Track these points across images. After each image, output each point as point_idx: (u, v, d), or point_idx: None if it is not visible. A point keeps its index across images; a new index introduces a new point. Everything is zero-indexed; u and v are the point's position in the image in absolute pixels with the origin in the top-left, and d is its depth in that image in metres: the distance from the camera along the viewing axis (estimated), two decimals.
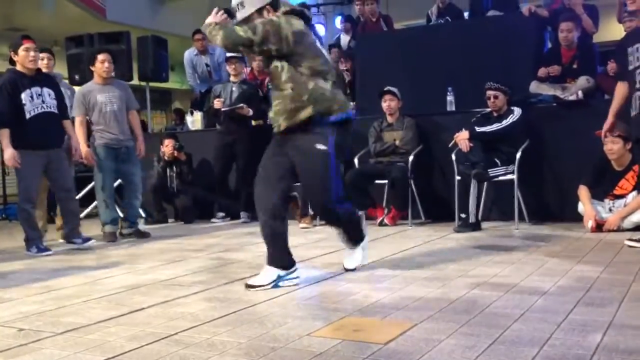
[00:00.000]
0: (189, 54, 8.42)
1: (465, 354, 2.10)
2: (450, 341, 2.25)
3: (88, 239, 5.10)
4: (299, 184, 6.03)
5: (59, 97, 5.05)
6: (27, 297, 3.30)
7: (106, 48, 6.13)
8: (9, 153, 4.68)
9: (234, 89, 6.68)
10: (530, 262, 3.73)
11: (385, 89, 5.99)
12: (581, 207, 5.10)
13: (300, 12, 3.43)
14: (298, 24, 3.32)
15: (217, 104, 6.62)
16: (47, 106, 4.87)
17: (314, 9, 11.05)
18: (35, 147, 4.78)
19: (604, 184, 5.01)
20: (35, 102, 4.81)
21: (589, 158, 5.16)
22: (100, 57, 5.53)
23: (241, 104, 6.49)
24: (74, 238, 5.05)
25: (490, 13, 7.00)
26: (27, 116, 4.76)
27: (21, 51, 4.80)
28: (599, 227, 4.81)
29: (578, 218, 5.08)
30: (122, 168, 5.66)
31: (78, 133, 5.39)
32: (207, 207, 7.00)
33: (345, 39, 8.64)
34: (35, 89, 4.83)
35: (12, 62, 4.92)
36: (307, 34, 3.38)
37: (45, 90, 4.90)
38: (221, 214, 6.87)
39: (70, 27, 9.66)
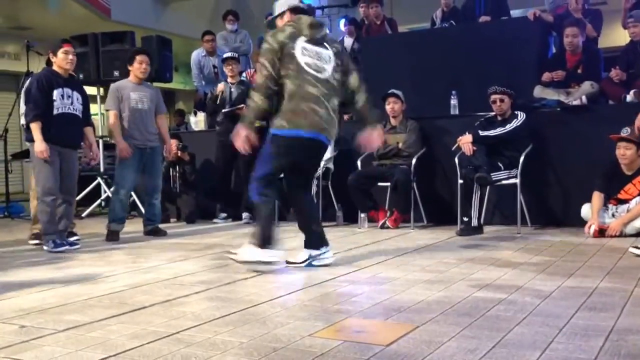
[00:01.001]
0: (196, 54, 8.44)
1: (467, 357, 2.10)
2: (452, 344, 2.25)
3: (73, 244, 5.05)
4: None
5: (85, 104, 5.21)
6: (29, 294, 3.30)
7: (145, 50, 6.29)
8: (42, 146, 4.79)
9: (232, 89, 6.71)
10: (532, 266, 3.72)
11: (389, 91, 5.99)
12: (584, 212, 5.10)
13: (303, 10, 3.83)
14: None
15: (220, 86, 6.70)
16: (73, 108, 5.05)
17: (318, 12, 11.05)
18: (54, 142, 4.89)
19: (613, 188, 5.01)
20: (64, 101, 4.99)
21: (593, 163, 5.16)
22: (138, 57, 5.70)
23: (241, 105, 6.51)
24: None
25: (482, 19, 7.00)
26: (55, 112, 4.92)
27: (60, 53, 5.01)
28: (601, 232, 4.81)
29: (581, 223, 5.07)
30: (145, 169, 5.71)
31: (113, 127, 5.57)
32: (210, 207, 7.01)
33: (348, 42, 8.65)
34: (67, 90, 5.01)
35: (48, 64, 5.11)
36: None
37: (76, 94, 5.09)
38: (223, 215, 6.88)
39: (75, 26, 9.68)
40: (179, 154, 6.93)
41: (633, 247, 4.09)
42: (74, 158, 5.15)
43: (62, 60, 5.00)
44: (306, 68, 3.69)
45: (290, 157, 3.78)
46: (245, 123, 3.75)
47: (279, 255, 3.78)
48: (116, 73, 7.32)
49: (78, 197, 6.68)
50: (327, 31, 4.00)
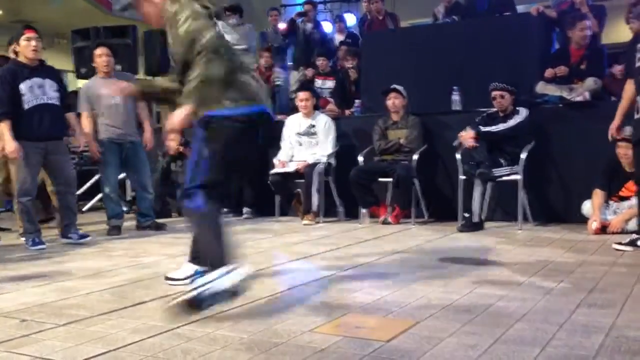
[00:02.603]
0: None
1: (467, 353, 2.10)
2: (452, 340, 2.25)
3: (85, 235, 5.05)
4: (302, 181, 6.01)
5: (61, 89, 5.01)
6: (30, 289, 3.30)
7: (103, 42, 6.15)
8: (12, 146, 4.60)
9: None
10: (533, 262, 3.72)
11: (391, 86, 5.98)
12: (585, 210, 5.09)
13: None
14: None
15: None
16: (48, 98, 4.81)
17: (320, 6, 11.03)
18: (32, 139, 4.71)
19: (614, 185, 4.99)
20: (35, 93, 4.75)
21: (595, 160, 5.14)
22: (97, 51, 5.58)
23: None
24: (70, 233, 5.01)
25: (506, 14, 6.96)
26: (26, 107, 4.71)
27: (23, 41, 4.75)
28: (603, 229, 4.80)
29: (582, 220, 5.07)
30: (129, 163, 5.68)
31: (85, 128, 5.42)
32: None
33: (338, 39, 8.66)
34: (36, 80, 4.77)
35: (16, 55, 4.88)
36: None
37: (48, 81, 4.84)
38: (224, 210, 6.87)
39: (77, 20, 9.69)
40: (181, 149, 6.93)
41: (616, 243, 4.11)
42: (60, 149, 4.95)
43: (25, 48, 4.71)
44: None
45: None
46: None
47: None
48: (118, 67, 7.31)
49: (79, 192, 6.70)
50: None
